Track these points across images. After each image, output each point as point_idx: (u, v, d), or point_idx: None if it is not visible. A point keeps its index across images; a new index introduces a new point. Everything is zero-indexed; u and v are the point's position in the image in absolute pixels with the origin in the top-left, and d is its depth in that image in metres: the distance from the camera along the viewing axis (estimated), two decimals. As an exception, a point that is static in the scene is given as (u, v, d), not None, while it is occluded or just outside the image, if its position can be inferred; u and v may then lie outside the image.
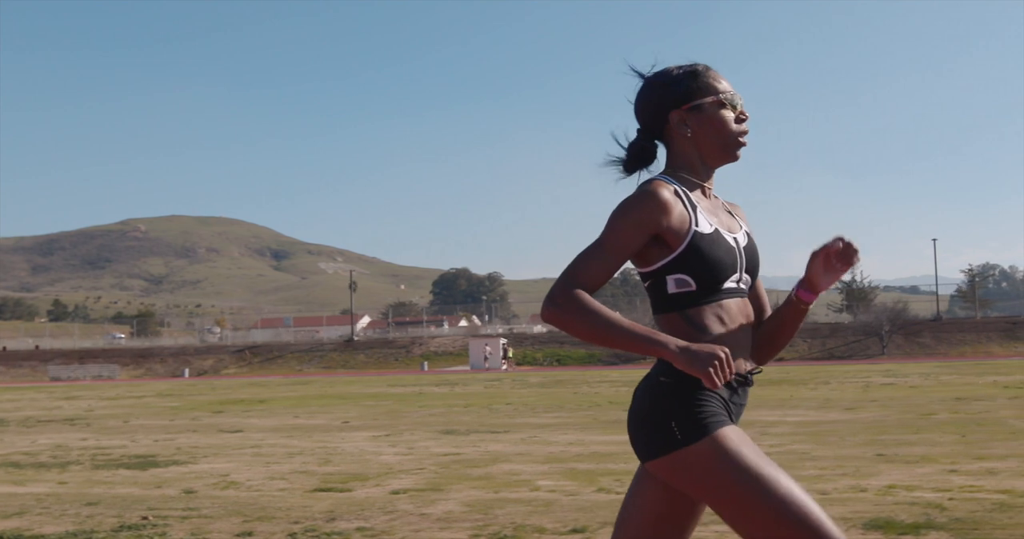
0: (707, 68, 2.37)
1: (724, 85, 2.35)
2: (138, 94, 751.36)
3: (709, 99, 2.32)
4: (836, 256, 2.34)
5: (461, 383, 33.50)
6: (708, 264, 2.23)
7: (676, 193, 2.25)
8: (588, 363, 60.71)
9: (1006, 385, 21.30)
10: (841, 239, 2.31)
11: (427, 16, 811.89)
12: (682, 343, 2.09)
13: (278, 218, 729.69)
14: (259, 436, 13.83)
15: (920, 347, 59.65)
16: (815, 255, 2.35)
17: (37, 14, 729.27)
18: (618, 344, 2.11)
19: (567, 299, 2.12)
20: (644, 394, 2.25)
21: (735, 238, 2.33)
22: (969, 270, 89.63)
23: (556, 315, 2.13)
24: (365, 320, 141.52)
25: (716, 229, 2.28)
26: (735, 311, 2.29)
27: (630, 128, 2.44)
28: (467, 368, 57.64)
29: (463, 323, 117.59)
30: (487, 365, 56.25)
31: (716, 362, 2.04)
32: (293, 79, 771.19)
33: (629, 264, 2.32)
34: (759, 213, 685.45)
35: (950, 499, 6.89)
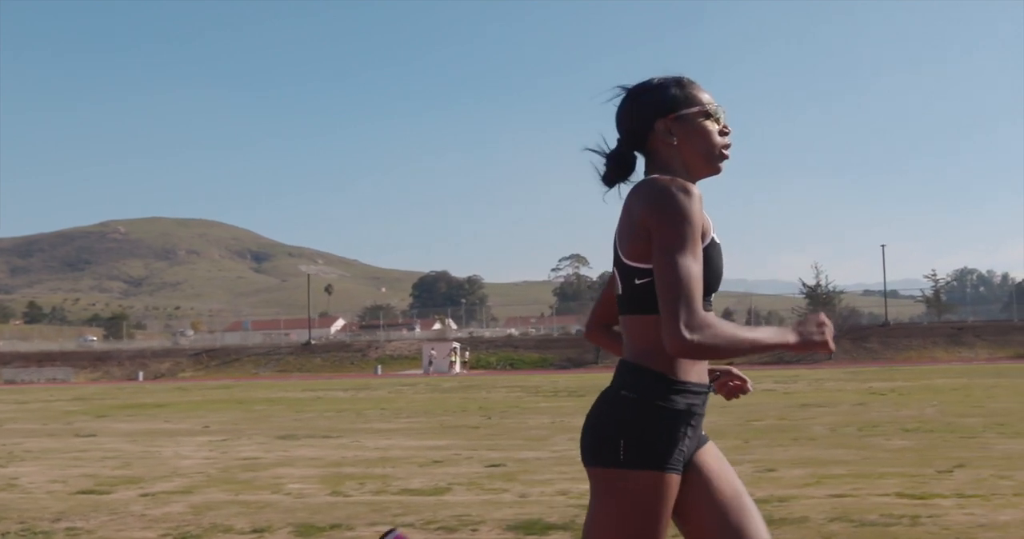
0: (691, 80, 2.39)
1: (708, 97, 2.37)
2: (119, 95, 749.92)
3: (694, 109, 2.33)
4: (730, 389, 2.56)
5: (379, 387, 33.92)
6: (714, 273, 2.23)
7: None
8: (541, 367, 61.14)
9: (877, 392, 21.89)
10: (741, 384, 2.55)
11: (409, 21, 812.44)
12: (792, 329, 2.15)
13: (259, 220, 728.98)
14: (103, 440, 14.30)
15: (867, 352, 60.17)
16: (729, 374, 2.56)
17: (14, 16, 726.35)
18: (756, 352, 2.11)
19: (705, 327, 2.04)
20: (605, 405, 2.24)
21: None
22: (932, 275, 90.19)
23: (702, 347, 2.03)
24: (340, 323, 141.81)
25: (718, 239, 2.29)
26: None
27: (607, 138, 2.43)
28: (420, 372, 58.02)
29: (436, 326, 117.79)
30: (432, 369, 56.63)
31: (824, 328, 2.15)
32: (275, 81, 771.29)
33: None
34: (741, 216, 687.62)
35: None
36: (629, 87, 2.40)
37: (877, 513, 6.60)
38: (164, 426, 16.98)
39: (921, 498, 7.16)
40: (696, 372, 2.24)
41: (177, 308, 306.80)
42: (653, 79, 2.39)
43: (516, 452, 11.26)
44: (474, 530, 6.50)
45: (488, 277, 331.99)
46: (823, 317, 2.16)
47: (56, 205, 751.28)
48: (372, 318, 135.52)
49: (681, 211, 2.11)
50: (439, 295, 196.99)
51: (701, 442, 2.33)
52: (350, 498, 8.04)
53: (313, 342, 74.43)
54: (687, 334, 2.01)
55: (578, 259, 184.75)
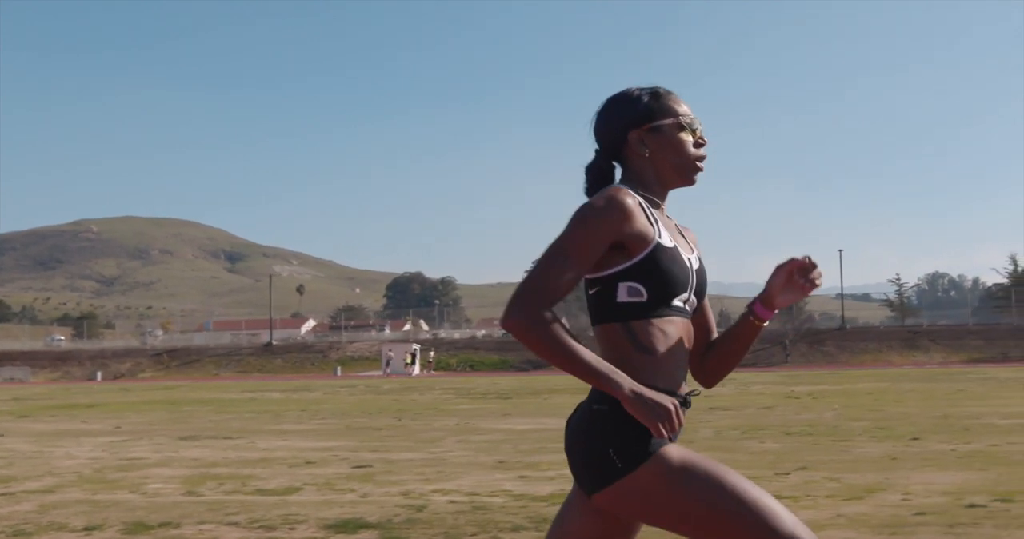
0: (668, 91, 2.37)
1: (684, 108, 2.35)
2: (93, 94, 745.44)
3: (669, 121, 2.32)
4: (800, 273, 2.32)
5: (318, 388, 34.05)
6: (664, 277, 2.20)
7: (639, 203, 2.23)
8: (500, 369, 61.36)
9: (793, 396, 22.28)
10: (809, 257, 2.32)
11: (386, 24, 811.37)
12: (637, 387, 2.05)
13: (233, 220, 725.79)
14: (6, 441, 14.43)
15: (823, 355, 60.75)
16: (779, 269, 2.33)
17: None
18: (574, 373, 2.07)
19: (536, 317, 2.05)
20: (579, 426, 2.21)
21: (689, 258, 2.31)
22: (897, 279, 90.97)
23: (522, 330, 2.06)
24: (310, 323, 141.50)
25: (676, 246, 2.26)
26: (678, 331, 2.25)
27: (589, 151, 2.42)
28: (380, 373, 58.14)
29: (407, 327, 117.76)
30: (388, 371, 56.78)
31: (666, 414, 2.03)
32: (249, 82, 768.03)
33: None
34: (717, 218, 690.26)
35: (423, 503, 7.64)
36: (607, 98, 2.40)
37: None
38: (78, 427, 17.11)
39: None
40: (664, 378, 2.21)
41: (149, 308, 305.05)
42: (630, 89, 2.38)
43: (395, 453, 11.47)
44: (292, 528, 6.69)
45: (462, 278, 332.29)
46: (674, 405, 2.06)
47: (28, 203, 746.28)
48: (343, 319, 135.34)
49: (586, 215, 2.15)
50: (413, 296, 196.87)
51: None
52: (198, 498, 8.21)
53: (275, 343, 74.39)
54: (516, 316, 2.05)
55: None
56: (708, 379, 2.47)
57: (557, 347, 2.05)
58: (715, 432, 13.25)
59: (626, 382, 2.05)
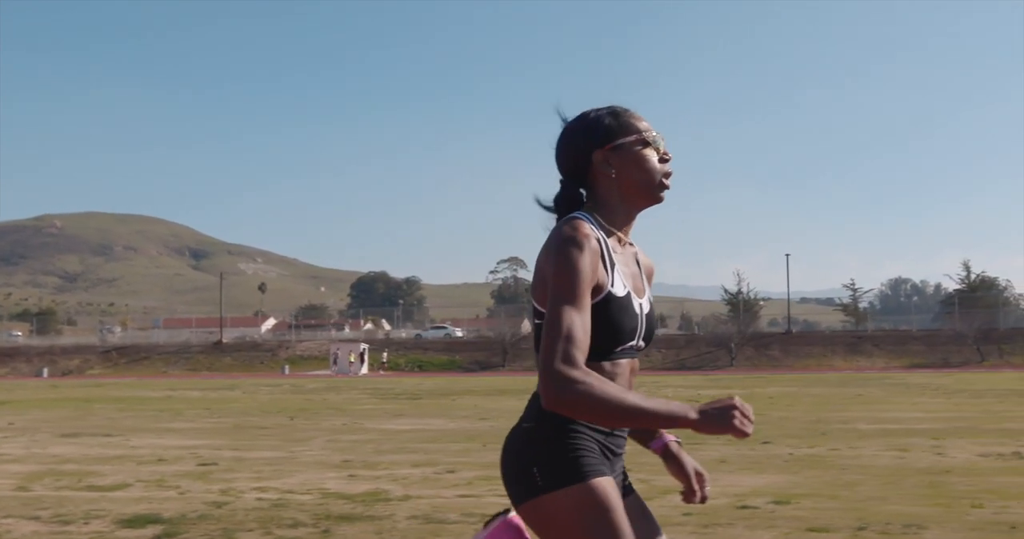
0: (625, 109, 2.33)
1: (645, 124, 2.31)
2: (58, 90, 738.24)
3: (631, 138, 2.27)
4: (691, 493, 2.45)
5: (236, 387, 34.13)
6: (612, 328, 2.15)
7: (599, 242, 2.16)
8: (448, 369, 61.57)
9: (694, 399, 22.61)
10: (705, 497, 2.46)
11: (351, 23, 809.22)
12: (697, 407, 1.97)
13: (198, 217, 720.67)
14: None
15: (768, 359, 61.27)
16: (686, 473, 2.45)
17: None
18: (636, 424, 1.95)
19: (575, 382, 1.92)
20: (511, 443, 2.21)
21: (640, 303, 2.26)
22: (851, 284, 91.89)
23: (567, 402, 1.92)
24: (271, 322, 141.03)
25: (628, 293, 2.21)
26: (624, 370, 2.22)
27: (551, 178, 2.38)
28: (328, 372, 58.21)
29: (368, 326, 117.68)
30: (334, 370, 56.90)
31: (736, 412, 1.96)
32: (214, 79, 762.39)
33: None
34: (684, 221, 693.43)
35: (224, 501, 7.89)
36: (565, 121, 2.35)
37: (458, 512, 7.13)
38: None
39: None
40: None
41: (111, 305, 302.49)
42: (587, 112, 2.33)
43: (253, 452, 11.71)
44: (86, 523, 6.91)
45: (427, 278, 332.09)
46: (738, 400, 1.98)
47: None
48: (302, 317, 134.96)
49: (569, 263, 2.06)
50: (377, 295, 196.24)
51: (625, 491, 2.29)
52: (23, 493, 8.42)
53: (229, 341, 74.24)
54: (550, 391, 1.92)
55: (516, 262, 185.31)
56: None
57: (617, 407, 1.92)
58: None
59: (686, 408, 1.95)
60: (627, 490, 2.31)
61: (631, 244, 2.36)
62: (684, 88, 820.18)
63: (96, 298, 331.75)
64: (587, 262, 2.07)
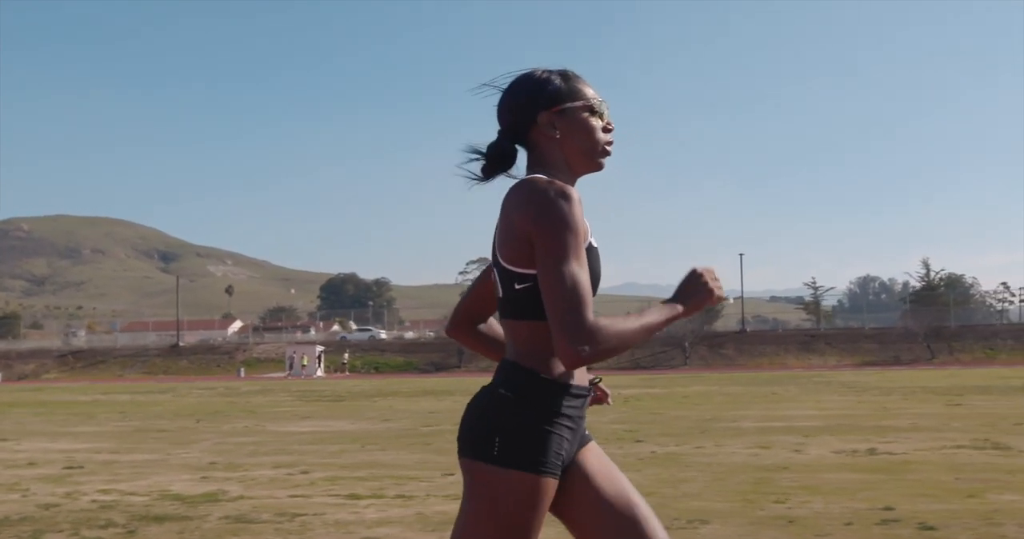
0: (576, 74, 2.31)
1: (593, 92, 2.29)
2: (24, 92, 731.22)
3: (579, 104, 2.25)
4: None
5: (169, 391, 34.17)
6: (592, 277, 2.11)
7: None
8: (404, 370, 61.69)
9: (616, 399, 22.90)
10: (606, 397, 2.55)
11: (319, 24, 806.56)
12: (678, 298, 2.12)
13: (167, 220, 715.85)
14: None
15: (722, 358, 61.75)
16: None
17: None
18: (652, 334, 2.07)
19: (595, 334, 1.97)
20: (481, 403, 2.18)
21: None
22: (812, 283, 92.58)
23: (596, 356, 1.98)
24: (237, 324, 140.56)
25: (595, 243, 2.21)
26: None
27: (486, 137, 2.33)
28: (283, 374, 58.25)
29: (336, 328, 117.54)
30: (289, 373, 56.96)
31: (705, 280, 2.12)
32: (181, 80, 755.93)
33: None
34: (656, 218, 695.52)
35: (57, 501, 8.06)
36: (514, 76, 2.32)
37: (274, 512, 7.33)
38: None
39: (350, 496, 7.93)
40: (577, 375, 2.20)
41: (79, 308, 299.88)
42: (536, 70, 2.30)
43: (131, 455, 11.89)
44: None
45: (398, 280, 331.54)
46: (698, 268, 2.12)
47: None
48: (273, 319, 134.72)
49: (563, 218, 2.04)
50: (347, 297, 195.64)
51: (583, 442, 2.28)
52: None
53: (187, 344, 74.06)
54: (580, 347, 1.96)
55: (485, 262, 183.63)
56: (458, 333, 2.56)
57: (631, 335, 2.02)
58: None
59: (672, 309, 2.10)
60: (584, 440, 2.31)
61: None
62: (657, 85, 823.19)
63: (64, 301, 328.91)
64: (579, 216, 2.07)
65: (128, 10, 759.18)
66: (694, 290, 2.11)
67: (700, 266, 2.12)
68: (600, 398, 2.52)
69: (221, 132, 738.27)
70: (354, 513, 7.22)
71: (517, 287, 2.14)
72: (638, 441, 12.25)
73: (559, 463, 2.13)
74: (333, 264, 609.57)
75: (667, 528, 2.26)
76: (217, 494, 8.31)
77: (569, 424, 2.16)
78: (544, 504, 2.11)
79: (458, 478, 8.89)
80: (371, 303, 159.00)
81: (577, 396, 2.18)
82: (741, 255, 69.82)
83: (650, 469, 9.52)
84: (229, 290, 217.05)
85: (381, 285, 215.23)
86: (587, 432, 2.30)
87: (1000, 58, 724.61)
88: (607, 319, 2.00)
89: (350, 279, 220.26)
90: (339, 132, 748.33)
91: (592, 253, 2.14)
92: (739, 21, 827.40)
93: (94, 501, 8.06)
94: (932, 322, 62.01)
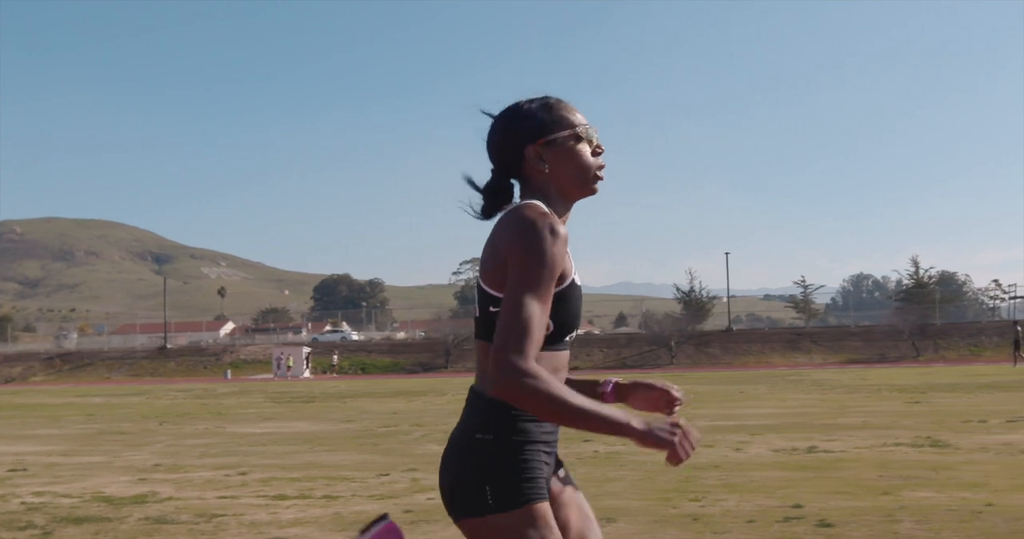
0: (559, 101, 2.31)
1: (579, 118, 2.29)
2: (17, 95, 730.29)
3: (565, 133, 2.26)
4: (666, 402, 2.40)
5: (143, 393, 34.21)
6: (571, 315, 2.15)
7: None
8: (392, 371, 61.72)
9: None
10: (679, 399, 2.40)
11: (309, 24, 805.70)
12: (642, 422, 2.00)
13: (161, 222, 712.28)
14: None
15: (708, 357, 61.79)
16: (652, 387, 2.42)
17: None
18: (586, 428, 1.97)
19: (526, 377, 1.93)
20: (462, 454, 2.15)
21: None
22: (801, 281, 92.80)
23: (517, 396, 1.94)
24: (229, 326, 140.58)
25: (578, 281, 2.22)
26: (564, 362, 2.24)
27: (483, 169, 2.35)
28: (270, 376, 58.29)
29: (328, 328, 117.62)
30: (276, 374, 57.05)
31: (679, 432, 2.04)
32: (174, 83, 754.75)
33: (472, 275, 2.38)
34: (649, 218, 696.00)
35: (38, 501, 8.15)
36: (495, 114, 2.33)
37: (194, 513, 7.43)
38: None
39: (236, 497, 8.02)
40: None
41: (73, 310, 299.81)
42: (520, 104, 2.31)
43: (82, 457, 12.00)
44: None
45: (391, 280, 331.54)
46: (683, 421, 2.05)
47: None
48: (266, 321, 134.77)
49: (542, 253, 2.03)
50: (340, 298, 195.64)
51: (558, 465, 2.32)
52: None
53: (174, 346, 74.07)
54: (505, 378, 1.93)
55: (479, 263, 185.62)
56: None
57: (562, 407, 1.95)
58: (421, 435, 13.83)
59: (631, 419, 2.00)
60: (564, 475, 2.34)
61: None
62: (648, 86, 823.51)
63: (57, 304, 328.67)
64: (558, 250, 2.05)
65: (123, 14, 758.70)
66: (662, 432, 2.03)
67: (686, 425, 2.07)
68: (662, 399, 2.44)
69: (215, 134, 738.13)
70: (272, 514, 7.33)
71: (491, 310, 2.15)
72: (586, 441, 12.33)
73: (545, 485, 2.16)
74: (327, 265, 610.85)
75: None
76: (147, 496, 8.40)
77: (546, 449, 2.18)
78: (551, 522, 2.12)
79: (391, 479, 9.04)
80: (364, 304, 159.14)
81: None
82: (727, 254, 69.85)
83: (584, 468, 9.61)
84: (222, 292, 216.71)
85: (375, 286, 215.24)
86: (564, 468, 2.35)
87: (992, 57, 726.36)
88: (548, 378, 1.96)
89: (344, 280, 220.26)
90: (331, 134, 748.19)
91: (575, 291, 2.16)
92: (738, 21, 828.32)
93: (23, 503, 8.16)
94: (919, 320, 62.15)
